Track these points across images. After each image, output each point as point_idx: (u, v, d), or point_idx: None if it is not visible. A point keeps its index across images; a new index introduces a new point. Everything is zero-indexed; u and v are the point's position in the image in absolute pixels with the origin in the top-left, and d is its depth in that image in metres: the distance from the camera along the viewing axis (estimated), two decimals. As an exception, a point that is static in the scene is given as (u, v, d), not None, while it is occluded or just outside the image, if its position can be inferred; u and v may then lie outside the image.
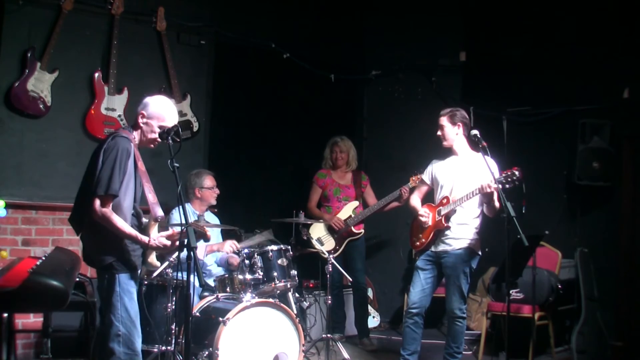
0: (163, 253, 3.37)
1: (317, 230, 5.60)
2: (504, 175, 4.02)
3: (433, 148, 4.76)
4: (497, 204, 4.21)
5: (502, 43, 6.47)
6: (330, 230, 5.60)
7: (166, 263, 4.02)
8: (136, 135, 3.38)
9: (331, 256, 4.90)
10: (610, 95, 5.74)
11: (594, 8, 5.83)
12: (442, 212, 4.39)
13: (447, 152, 4.53)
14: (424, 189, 4.68)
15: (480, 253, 4.43)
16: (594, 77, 5.80)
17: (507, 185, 3.99)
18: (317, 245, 5.33)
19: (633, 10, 5.59)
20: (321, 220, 5.60)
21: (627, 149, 5.71)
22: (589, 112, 5.78)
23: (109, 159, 3.17)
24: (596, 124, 5.70)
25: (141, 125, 3.36)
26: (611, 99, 5.72)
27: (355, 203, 5.67)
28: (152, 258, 3.40)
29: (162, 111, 3.37)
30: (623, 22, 5.70)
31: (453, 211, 4.37)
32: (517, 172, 3.96)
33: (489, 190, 4.08)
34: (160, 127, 3.35)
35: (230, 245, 4.90)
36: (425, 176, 4.66)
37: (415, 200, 4.67)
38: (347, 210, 5.64)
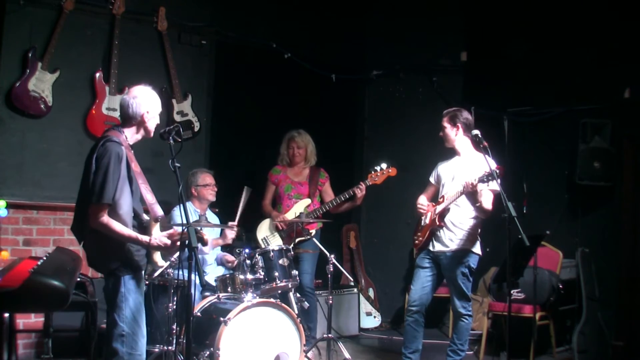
0: (165, 252, 3.36)
1: (264, 229, 5.38)
2: (485, 174, 4.01)
3: (434, 148, 4.76)
4: (485, 205, 4.23)
5: (503, 43, 6.47)
6: (277, 229, 5.30)
7: (168, 262, 4.02)
8: (128, 134, 3.34)
9: (332, 256, 4.87)
10: (611, 95, 5.73)
11: (595, 8, 5.82)
12: (437, 211, 4.41)
13: (450, 152, 4.54)
14: (431, 189, 4.68)
15: (480, 253, 4.43)
16: (594, 77, 5.79)
17: (487, 182, 4.01)
18: (262, 245, 5.19)
19: (634, 10, 5.58)
20: (269, 220, 5.34)
21: (628, 149, 5.71)
22: (590, 112, 5.78)
23: (102, 166, 3.15)
24: (597, 124, 5.70)
25: (146, 123, 3.36)
26: (612, 99, 5.71)
27: (307, 201, 5.32)
28: (157, 257, 3.40)
29: (154, 99, 3.41)
30: (624, 22, 5.69)
31: (446, 210, 4.38)
32: (497, 171, 3.95)
33: (471, 188, 4.11)
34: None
35: (230, 231, 4.91)
36: (432, 177, 4.68)
37: (422, 199, 4.68)
38: (297, 209, 5.28)
